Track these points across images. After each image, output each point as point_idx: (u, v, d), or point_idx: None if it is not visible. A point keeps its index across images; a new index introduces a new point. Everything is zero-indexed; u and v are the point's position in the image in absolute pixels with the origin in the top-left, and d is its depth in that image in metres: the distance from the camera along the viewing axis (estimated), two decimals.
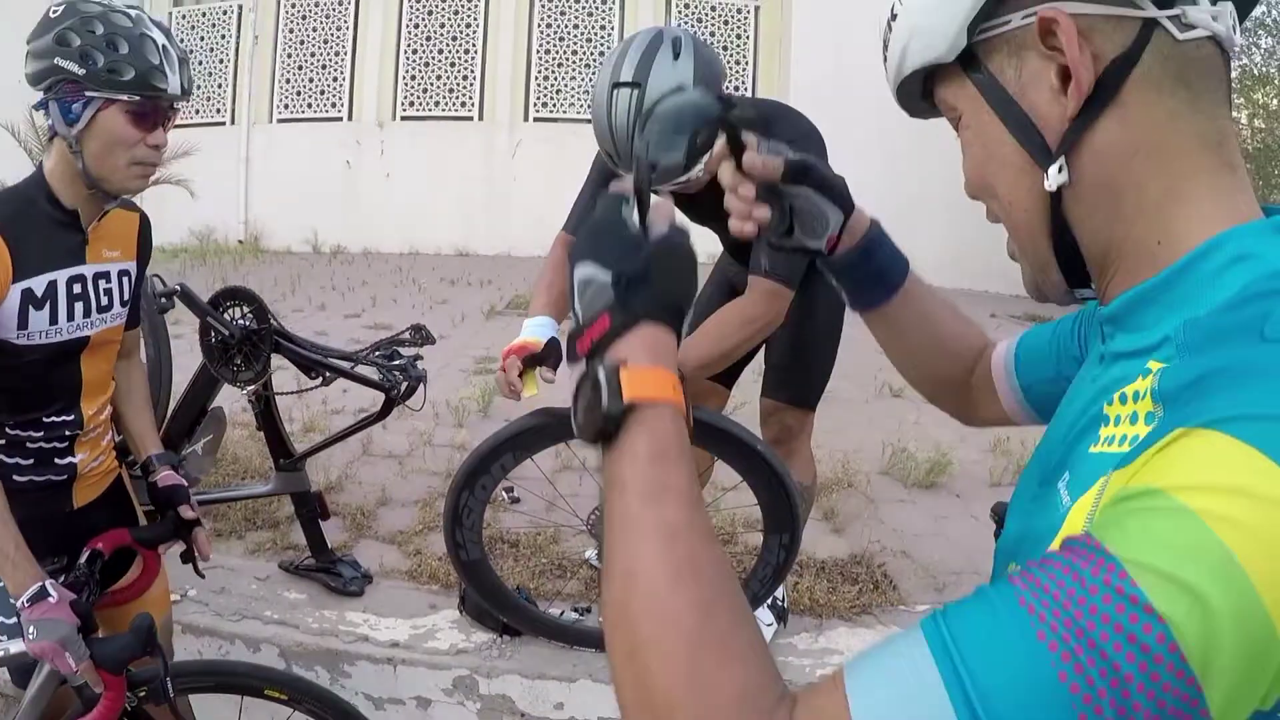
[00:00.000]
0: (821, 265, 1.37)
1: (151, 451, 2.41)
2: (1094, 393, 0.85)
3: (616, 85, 2.57)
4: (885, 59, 0.99)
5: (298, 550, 3.83)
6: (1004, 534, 0.95)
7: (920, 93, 0.99)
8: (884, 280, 1.34)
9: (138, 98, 2.01)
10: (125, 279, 2.31)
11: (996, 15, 0.85)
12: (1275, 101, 10.11)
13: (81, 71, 1.96)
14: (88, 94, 1.98)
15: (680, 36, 2.62)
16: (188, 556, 2.36)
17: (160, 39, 2.05)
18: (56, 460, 2.25)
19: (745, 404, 3.95)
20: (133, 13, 2.06)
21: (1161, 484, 0.62)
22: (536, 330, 2.85)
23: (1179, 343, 0.74)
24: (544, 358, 2.75)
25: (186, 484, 2.38)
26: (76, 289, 2.15)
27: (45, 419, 2.20)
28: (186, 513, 2.31)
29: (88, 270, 2.18)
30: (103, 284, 2.23)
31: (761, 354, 3.38)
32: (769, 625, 3.38)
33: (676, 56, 2.57)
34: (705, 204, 2.85)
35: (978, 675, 0.59)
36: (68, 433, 2.25)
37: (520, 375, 2.70)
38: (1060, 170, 0.83)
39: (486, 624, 3.34)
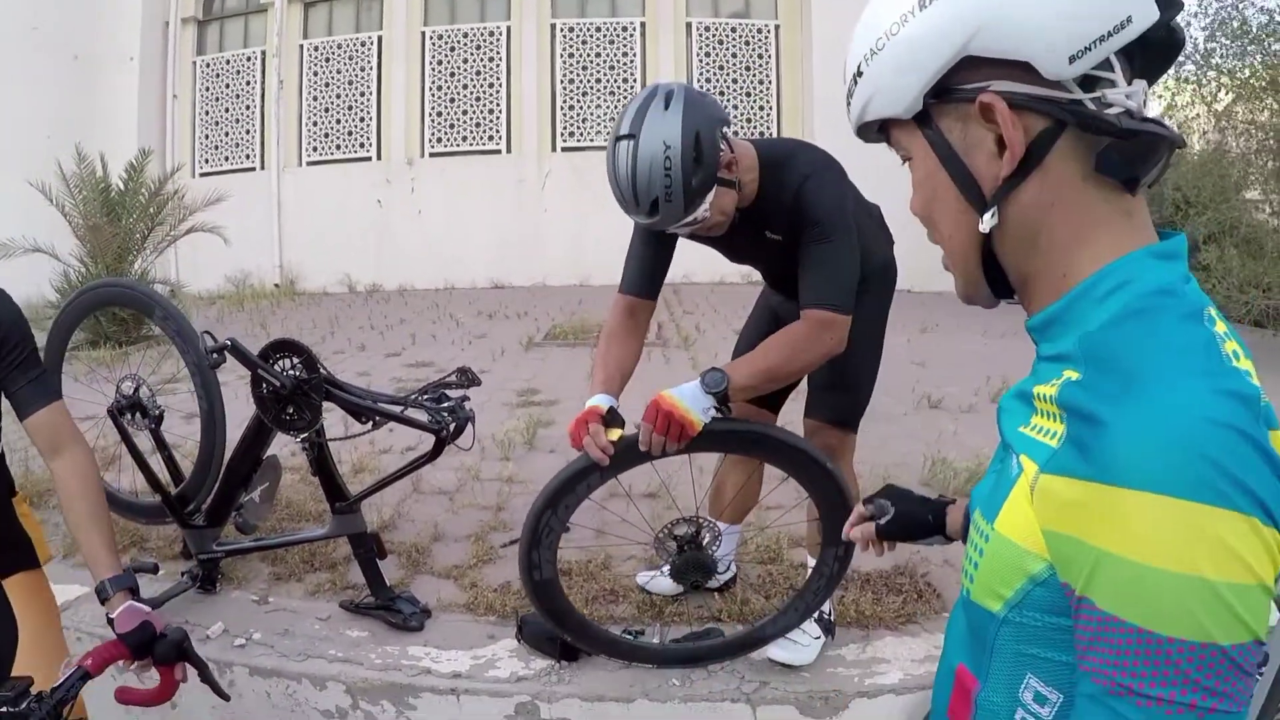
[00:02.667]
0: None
1: (104, 575, 2.14)
2: (1031, 383, 1.07)
3: (618, 138, 2.79)
4: (849, 104, 1.15)
5: (357, 589, 3.93)
6: (980, 486, 1.18)
7: (876, 129, 1.16)
8: None
9: None
10: None
11: (949, 85, 1.03)
12: None
13: None
14: None
15: (674, 89, 2.82)
16: (206, 676, 2.17)
17: None
18: None
19: (788, 424, 4.01)
20: None
21: (1108, 546, 0.87)
22: (597, 400, 2.98)
23: (1079, 353, 0.99)
24: (609, 419, 2.89)
25: (151, 615, 2.10)
26: None
27: None
28: (176, 672, 2.10)
29: None
30: None
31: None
32: (816, 639, 3.43)
33: (667, 107, 2.75)
34: (740, 244, 3.16)
35: None
36: None
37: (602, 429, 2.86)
38: (993, 216, 1.04)
39: (545, 650, 3.42)
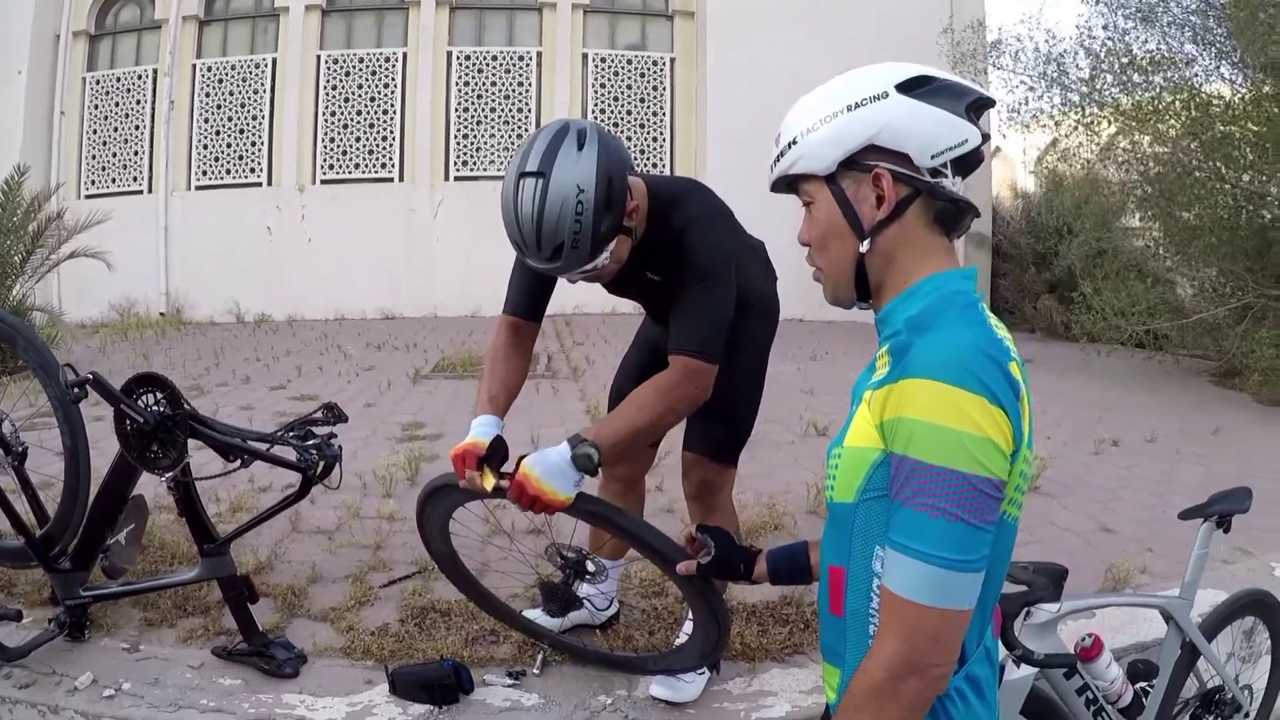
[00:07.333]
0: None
1: None
2: (875, 356, 1.61)
3: (523, 175, 2.66)
4: (776, 161, 1.67)
5: (231, 635, 3.77)
6: (833, 441, 1.63)
7: (786, 183, 1.69)
8: (799, 576, 2.17)
9: None
10: None
11: (854, 160, 1.57)
12: (1172, 131, 10.48)
13: None
14: None
15: (586, 128, 2.73)
16: None
17: None
18: None
19: (669, 453, 3.98)
20: None
21: (908, 414, 1.40)
22: (481, 431, 2.92)
23: (904, 326, 1.52)
24: (490, 456, 2.80)
25: None
26: None
27: None
28: None
29: None
30: None
31: None
32: (700, 674, 3.39)
33: (581, 148, 2.67)
34: (623, 281, 3.12)
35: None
36: None
37: (480, 474, 2.79)
38: (867, 244, 1.58)
39: (421, 699, 3.34)
